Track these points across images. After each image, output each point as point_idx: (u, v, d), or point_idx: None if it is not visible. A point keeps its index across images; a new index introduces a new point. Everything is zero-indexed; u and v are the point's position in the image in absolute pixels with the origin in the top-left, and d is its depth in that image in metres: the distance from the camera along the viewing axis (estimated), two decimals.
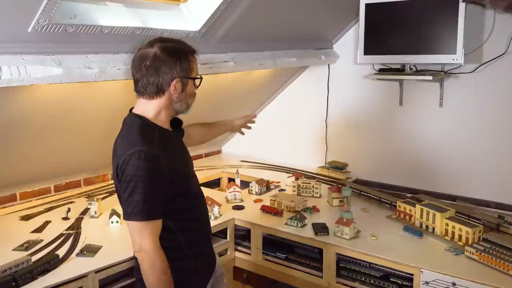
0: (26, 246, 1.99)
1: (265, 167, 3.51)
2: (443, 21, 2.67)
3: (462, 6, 2.58)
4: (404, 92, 3.09)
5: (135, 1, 2.08)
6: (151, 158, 1.50)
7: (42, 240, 2.07)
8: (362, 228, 2.29)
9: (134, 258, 1.67)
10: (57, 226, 2.25)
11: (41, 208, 2.51)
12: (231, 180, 3.20)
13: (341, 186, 2.74)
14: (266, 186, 2.97)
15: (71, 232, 2.18)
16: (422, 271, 1.92)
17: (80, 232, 2.20)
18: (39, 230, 2.21)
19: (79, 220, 2.35)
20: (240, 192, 2.76)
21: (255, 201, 2.75)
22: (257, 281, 2.12)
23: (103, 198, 2.69)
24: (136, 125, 1.58)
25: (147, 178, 1.48)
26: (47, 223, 2.30)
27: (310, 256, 2.32)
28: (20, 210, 2.48)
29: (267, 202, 2.65)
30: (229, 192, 2.75)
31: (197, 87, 1.68)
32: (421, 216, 2.31)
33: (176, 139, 1.75)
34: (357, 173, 3.34)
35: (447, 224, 2.19)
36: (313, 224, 2.36)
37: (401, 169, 3.16)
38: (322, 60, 3.32)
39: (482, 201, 2.81)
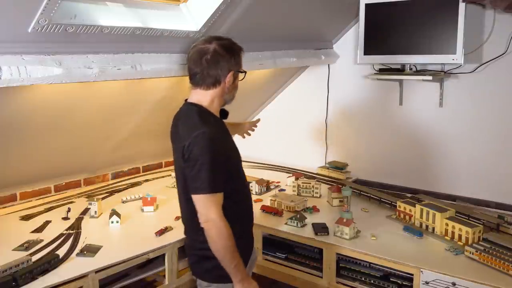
0: (26, 246, 2.00)
1: (265, 167, 3.51)
2: (443, 21, 2.67)
3: (462, 6, 2.58)
4: (404, 92, 3.09)
5: (135, 1, 2.07)
6: (213, 138, 1.68)
7: (42, 240, 2.07)
8: (362, 228, 2.29)
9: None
10: (57, 226, 2.25)
11: (41, 208, 2.52)
12: None
13: (341, 186, 2.74)
14: (266, 186, 2.97)
15: (71, 232, 2.18)
16: (422, 271, 1.92)
17: (80, 232, 2.20)
18: (39, 230, 2.22)
19: (79, 220, 2.35)
20: None
21: (255, 201, 2.74)
22: (257, 281, 2.13)
23: (103, 198, 2.69)
24: (194, 111, 1.76)
25: (211, 156, 1.65)
26: (47, 223, 2.30)
27: (310, 256, 2.32)
28: (20, 210, 2.49)
29: (267, 202, 2.65)
30: None
31: (241, 80, 1.88)
32: (421, 216, 2.31)
33: (224, 125, 1.91)
34: (357, 173, 3.34)
35: (447, 224, 2.19)
36: (313, 224, 2.36)
37: (401, 169, 3.16)
38: (322, 60, 3.32)
39: (482, 201, 2.81)
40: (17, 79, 1.67)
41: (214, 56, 1.73)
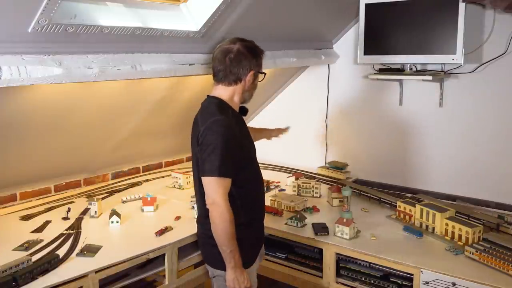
0: (26, 246, 1.99)
1: (265, 167, 3.51)
2: (443, 21, 2.67)
3: (462, 6, 2.58)
4: (404, 92, 3.09)
5: (135, 1, 2.07)
6: (227, 126, 1.81)
7: (42, 240, 2.07)
8: (362, 228, 2.29)
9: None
10: (57, 226, 2.25)
11: (41, 208, 2.51)
12: None
13: (341, 186, 2.74)
14: (266, 186, 2.97)
15: (71, 232, 2.18)
16: (422, 271, 1.92)
17: (80, 232, 2.19)
18: (39, 230, 2.21)
19: (79, 220, 2.35)
20: None
21: None
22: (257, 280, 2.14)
23: (103, 198, 2.69)
24: (214, 103, 1.91)
25: (224, 141, 1.77)
26: (47, 223, 2.30)
27: (310, 256, 2.32)
28: (20, 210, 2.48)
29: (267, 202, 2.64)
30: None
31: (261, 81, 2.02)
32: (421, 216, 2.31)
33: (243, 120, 2.04)
34: (357, 173, 3.34)
35: (447, 224, 2.19)
36: (313, 224, 2.36)
37: (401, 169, 3.16)
38: (322, 60, 3.31)
39: (482, 201, 2.81)
40: (17, 79, 1.67)
41: (237, 56, 1.88)
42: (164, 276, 2.10)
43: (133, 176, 3.21)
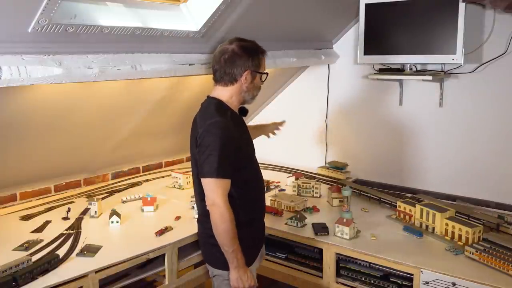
0: (26, 246, 1.99)
1: (265, 167, 3.51)
2: (443, 21, 2.67)
3: (462, 6, 2.58)
4: (404, 92, 3.09)
5: (135, 1, 2.07)
6: (225, 127, 1.82)
7: (42, 240, 2.07)
8: (362, 228, 2.29)
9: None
10: (57, 226, 2.25)
11: (41, 208, 2.51)
12: None
13: (341, 186, 2.74)
14: (266, 186, 2.96)
15: (71, 232, 2.18)
16: (422, 271, 1.92)
17: (80, 232, 2.19)
18: (39, 230, 2.21)
19: (79, 220, 2.35)
20: None
21: None
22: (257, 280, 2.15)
23: (103, 198, 2.69)
24: (213, 104, 1.92)
25: (221, 143, 1.78)
26: (47, 223, 2.30)
27: (310, 256, 2.32)
28: (20, 210, 2.48)
29: (267, 202, 2.64)
30: None
31: (263, 81, 2.02)
32: (421, 216, 2.31)
33: (242, 121, 2.04)
34: (357, 173, 3.34)
35: (447, 224, 2.19)
36: (313, 224, 2.36)
37: (401, 169, 3.16)
38: (322, 60, 3.31)
39: (482, 201, 2.81)
40: (17, 79, 1.67)
41: (231, 56, 1.89)
42: (164, 276, 2.10)
43: (133, 176, 3.21)
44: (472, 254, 1.98)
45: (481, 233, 2.11)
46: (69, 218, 2.37)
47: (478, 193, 2.84)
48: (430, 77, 2.76)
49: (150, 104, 2.76)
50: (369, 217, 2.51)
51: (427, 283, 1.91)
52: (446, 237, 2.18)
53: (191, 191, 2.61)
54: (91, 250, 1.96)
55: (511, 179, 2.73)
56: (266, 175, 3.21)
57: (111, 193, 2.83)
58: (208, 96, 1.99)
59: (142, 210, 2.51)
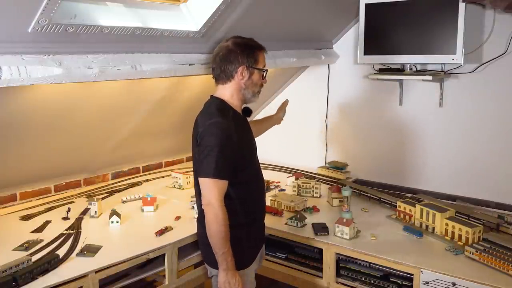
0: (26, 246, 1.99)
1: (265, 167, 3.51)
2: (443, 21, 2.67)
3: (462, 6, 2.58)
4: (404, 92, 3.09)
5: (135, 1, 2.07)
6: (225, 128, 1.81)
7: (42, 240, 2.07)
8: (362, 228, 2.29)
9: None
10: (57, 226, 2.25)
11: (41, 208, 2.51)
12: None
13: (341, 186, 2.74)
14: (266, 186, 2.96)
15: (71, 232, 2.18)
16: (422, 271, 1.92)
17: (80, 232, 2.20)
18: (39, 230, 2.21)
19: (79, 220, 2.35)
20: None
21: None
22: (256, 281, 2.14)
23: (103, 198, 2.69)
24: (215, 104, 1.92)
25: (220, 144, 1.78)
26: (47, 223, 2.30)
27: (310, 256, 2.32)
28: (20, 210, 2.48)
29: (267, 202, 2.64)
30: None
31: (264, 78, 2.00)
32: (421, 216, 2.31)
33: (244, 121, 2.04)
34: (357, 173, 3.34)
35: (447, 224, 2.19)
36: (313, 224, 2.36)
37: (401, 169, 3.16)
38: (322, 60, 3.31)
39: (482, 201, 2.81)
40: (17, 79, 1.67)
41: (226, 53, 1.90)
42: (164, 276, 2.10)
43: (133, 176, 3.22)
44: (472, 254, 1.98)
45: (481, 233, 2.11)
46: (69, 218, 2.37)
47: (478, 193, 2.84)
48: (430, 77, 2.76)
49: (150, 104, 2.76)
50: (369, 217, 2.51)
51: (427, 283, 1.91)
52: (446, 237, 2.18)
53: (191, 191, 2.61)
54: (91, 250, 1.96)
55: (511, 179, 2.73)
56: (266, 175, 3.21)
57: (111, 193, 2.83)
58: (211, 96, 1.99)
59: (142, 210, 2.51)
